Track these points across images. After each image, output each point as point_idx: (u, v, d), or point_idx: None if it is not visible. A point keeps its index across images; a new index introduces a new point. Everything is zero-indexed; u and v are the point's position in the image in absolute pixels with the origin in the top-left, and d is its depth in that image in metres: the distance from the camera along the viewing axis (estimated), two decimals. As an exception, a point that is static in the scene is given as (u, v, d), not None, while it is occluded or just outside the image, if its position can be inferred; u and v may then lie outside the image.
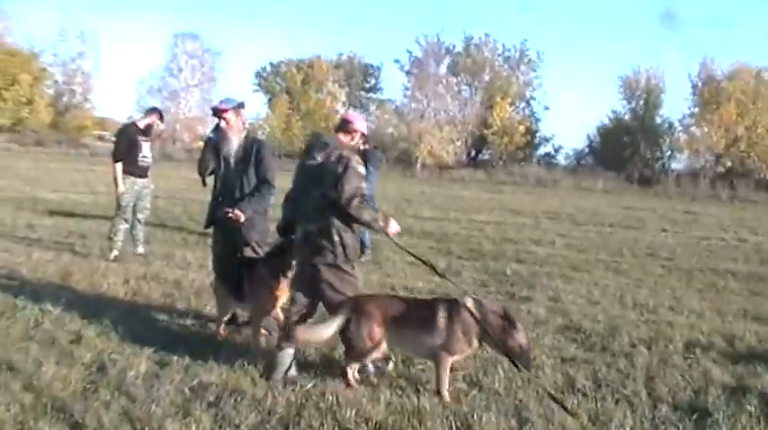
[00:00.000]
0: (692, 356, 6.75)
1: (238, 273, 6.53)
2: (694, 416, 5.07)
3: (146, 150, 10.65)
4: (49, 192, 19.80)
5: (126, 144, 10.50)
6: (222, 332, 6.83)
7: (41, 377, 5.24)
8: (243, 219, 6.67)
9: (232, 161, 6.90)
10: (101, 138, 64.91)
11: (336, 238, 5.60)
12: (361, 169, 5.65)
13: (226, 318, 6.92)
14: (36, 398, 4.88)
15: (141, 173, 10.59)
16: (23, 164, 31.88)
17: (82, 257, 10.27)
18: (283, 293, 6.33)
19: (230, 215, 6.68)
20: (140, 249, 10.77)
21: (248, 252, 6.74)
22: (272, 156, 7.29)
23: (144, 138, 10.65)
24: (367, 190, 10.69)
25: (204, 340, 6.47)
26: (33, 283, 8.32)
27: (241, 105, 7.04)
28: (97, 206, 16.92)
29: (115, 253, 10.41)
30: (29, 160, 35.39)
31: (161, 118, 11.21)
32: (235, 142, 6.91)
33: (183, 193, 20.91)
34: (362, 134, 6.23)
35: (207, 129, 47.67)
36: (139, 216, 10.74)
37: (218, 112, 6.95)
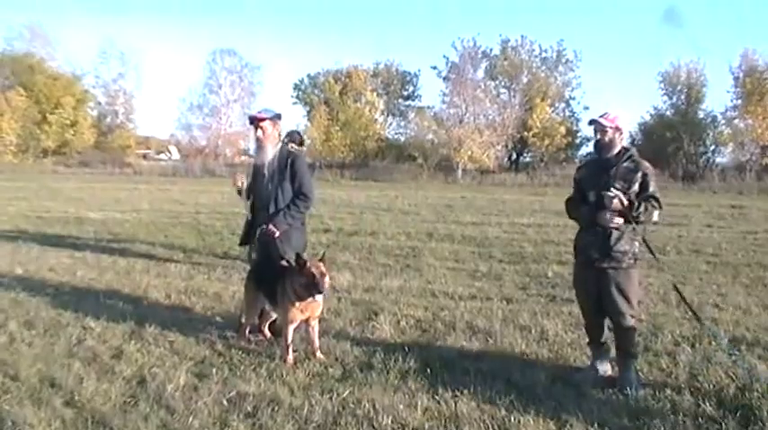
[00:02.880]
0: (737, 353, 6.63)
1: (274, 280, 6.52)
2: (738, 414, 4.98)
3: None
4: (94, 212, 20.06)
5: None
6: (247, 335, 6.95)
7: (82, 392, 5.32)
8: (277, 234, 6.70)
9: (267, 172, 6.93)
10: (144, 156, 65.92)
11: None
12: None
13: (253, 321, 7.02)
14: (77, 412, 4.97)
15: None
16: (69, 185, 32.42)
17: (125, 274, 10.37)
18: (307, 310, 6.32)
19: (265, 231, 6.74)
20: None
21: (285, 264, 6.73)
22: (308, 169, 7.26)
23: None
24: None
25: (243, 351, 6.51)
26: (77, 301, 8.41)
27: (278, 116, 7.05)
28: (140, 224, 17.15)
29: None
30: (74, 181, 35.96)
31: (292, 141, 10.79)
32: (270, 152, 6.94)
33: (223, 208, 21.08)
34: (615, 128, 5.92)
35: (248, 143, 47.24)
36: None
37: (255, 121, 6.99)
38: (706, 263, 12.19)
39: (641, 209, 5.62)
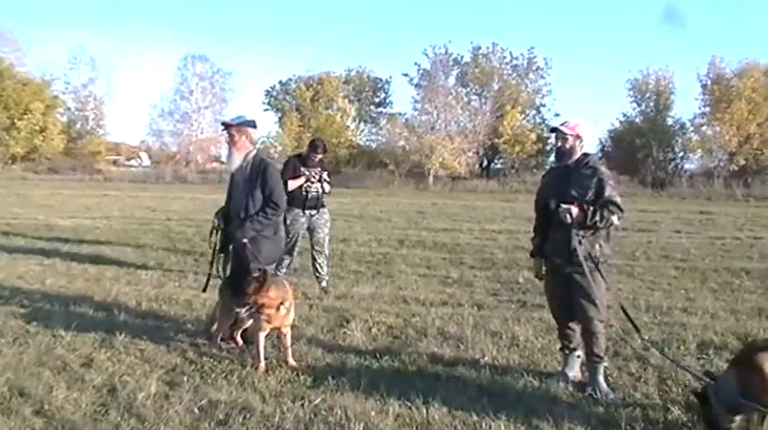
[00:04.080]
0: (705, 357, 6.75)
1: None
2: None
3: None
4: (64, 219, 19.89)
5: (286, 175, 9.76)
6: (219, 343, 6.94)
7: (52, 401, 5.27)
8: (245, 240, 6.67)
9: (239, 180, 6.92)
10: (115, 163, 65.36)
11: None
12: None
13: (225, 329, 6.98)
14: (47, 422, 4.93)
15: (308, 204, 10.04)
16: (38, 191, 32.10)
17: (95, 282, 10.28)
18: (275, 319, 6.30)
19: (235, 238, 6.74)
20: (323, 284, 10.18)
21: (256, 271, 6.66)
22: (279, 177, 7.21)
23: (306, 169, 10.04)
24: None
25: (214, 359, 6.49)
26: (46, 309, 8.36)
27: (247, 123, 6.99)
28: (111, 231, 17.03)
29: None
30: (44, 188, 35.58)
31: (315, 150, 10.13)
32: (237, 159, 6.92)
33: (195, 215, 20.99)
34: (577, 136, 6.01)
35: (220, 150, 46.53)
36: (316, 248, 10.19)
37: (225, 127, 7.03)
38: (675, 268, 12.34)
39: (596, 217, 5.69)
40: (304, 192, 9.96)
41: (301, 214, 9.96)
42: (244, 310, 6.21)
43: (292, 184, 9.76)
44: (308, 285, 10.03)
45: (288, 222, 9.68)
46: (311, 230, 10.14)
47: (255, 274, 6.33)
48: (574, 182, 5.86)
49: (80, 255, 12.98)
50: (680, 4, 79.30)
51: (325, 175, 10.16)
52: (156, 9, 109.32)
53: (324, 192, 10.20)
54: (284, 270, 9.68)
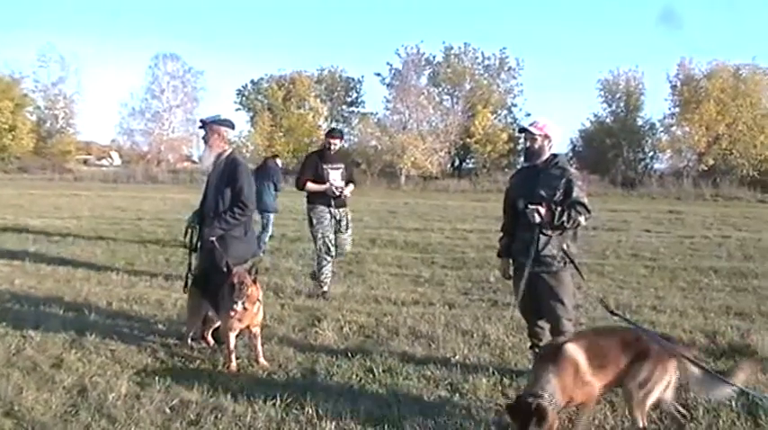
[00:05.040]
0: (673, 354, 6.80)
1: (216, 287, 6.46)
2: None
3: (332, 177, 9.51)
4: (33, 219, 19.67)
5: (306, 174, 9.58)
6: (190, 343, 6.93)
7: (22, 402, 5.24)
8: (212, 239, 6.66)
9: (212, 179, 6.91)
10: (85, 162, 64.70)
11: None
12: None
13: (195, 329, 6.99)
14: (17, 423, 4.90)
15: (332, 202, 9.54)
16: (7, 191, 31.70)
17: (65, 282, 10.20)
18: (246, 318, 6.28)
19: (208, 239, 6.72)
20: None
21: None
22: (249, 177, 7.14)
23: (327, 166, 9.54)
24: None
25: (186, 359, 6.48)
26: (16, 310, 8.29)
27: (221, 122, 7.01)
28: (81, 230, 16.87)
29: (324, 288, 9.63)
30: (13, 187, 35.16)
31: (333, 136, 9.75)
32: (208, 158, 6.93)
33: (166, 214, 20.89)
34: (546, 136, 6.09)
35: (192, 149, 45.96)
36: (339, 250, 9.80)
37: (201, 125, 7.10)
38: (644, 267, 12.47)
39: (564, 217, 5.76)
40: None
41: (327, 211, 9.52)
42: (240, 304, 6.15)
43: (313, 188, 9.49)
44: (279, 284, 10.04)
45: (314, 222, 9.58)
46: (336, 232, 9.68)
47: (248, 268, 6.36)
48: (542, 182, 5.92)
49: (49, 255, 12.85)
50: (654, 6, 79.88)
51: (346, 186, 9.66)
52: (127, 7, 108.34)
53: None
54: (327, 273, 9.70)
